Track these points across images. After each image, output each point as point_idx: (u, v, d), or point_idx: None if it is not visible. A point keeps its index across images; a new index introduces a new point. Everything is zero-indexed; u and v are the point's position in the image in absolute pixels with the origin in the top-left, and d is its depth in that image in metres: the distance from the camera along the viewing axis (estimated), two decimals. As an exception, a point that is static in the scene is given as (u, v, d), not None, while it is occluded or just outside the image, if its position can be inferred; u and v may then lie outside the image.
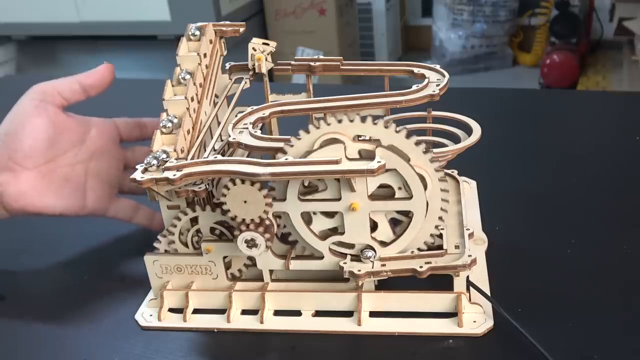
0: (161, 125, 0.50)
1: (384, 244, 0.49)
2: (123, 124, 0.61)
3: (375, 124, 0.46)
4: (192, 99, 0.53)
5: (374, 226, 0.49)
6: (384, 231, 0.49)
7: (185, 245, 0.52)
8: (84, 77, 0.58)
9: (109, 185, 0.60)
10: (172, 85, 0.53)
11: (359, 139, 0.47)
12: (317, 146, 0.46)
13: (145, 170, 0.47)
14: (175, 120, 0.51)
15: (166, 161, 0.47)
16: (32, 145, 0.54)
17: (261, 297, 0.51)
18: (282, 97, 0.60)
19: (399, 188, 0.47)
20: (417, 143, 0.46)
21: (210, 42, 0.57)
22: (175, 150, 0.48)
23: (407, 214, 0.48)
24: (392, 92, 0.51)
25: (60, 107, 0.57)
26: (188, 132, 0.51)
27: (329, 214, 0.49)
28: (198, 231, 0.52)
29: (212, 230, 0.51)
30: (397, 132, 0.46)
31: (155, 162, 0.47)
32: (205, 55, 0.56)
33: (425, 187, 0.47)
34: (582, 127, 0.83)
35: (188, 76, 0.53)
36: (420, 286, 0.50)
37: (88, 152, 0.58)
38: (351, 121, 0.46)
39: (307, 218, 0.49)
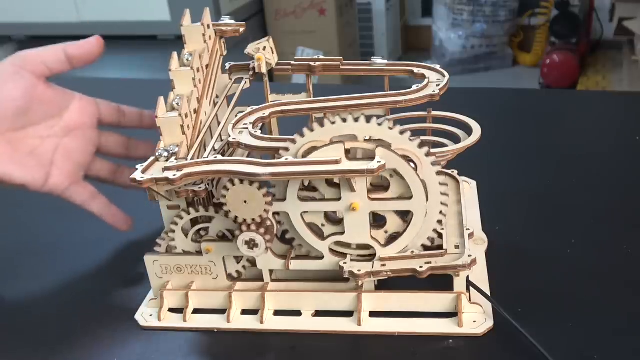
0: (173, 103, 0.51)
1: (384, 243, 0.49)
2: (105, 106, 0.60)
3: (368, 122, 0.46)
4: (198, 70, 0.53)
5: (383, 221, 0.49)
6: (394, 223, 0.49)
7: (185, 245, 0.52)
8: (72, 47, 0.55)
9: (76, 166, 0.57)
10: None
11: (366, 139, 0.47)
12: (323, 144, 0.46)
13: (156, 160, 0.48)
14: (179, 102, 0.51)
15: (175, 153, 0.48)
16: (3, 110, 0.53)
17: (261, 297, 0.51)
18: (282, 97, 0.60)
19: (391, 175, 0.47)
20: (416, 141, 0.46)
21: (209, 26, 0.57)
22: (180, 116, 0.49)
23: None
24: (392, 92, 0.50)
25: (42, 77, 0.55)
26: (194, 111, 0.52)
27: (336, 222, 0.49)
28: (198, 231, 0.52)
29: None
30: (390, 128, 0.46)
31: (166, 153, 0.48)
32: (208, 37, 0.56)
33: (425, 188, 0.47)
34: (582, 127, 0.83)
35: (191, 57, 0.53)
36: (420, 286, 0.50)
37: (63, 128, 0.57)
38: (344, 121, 0.46)
39: (318, 229, 0.49)
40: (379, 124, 0.46)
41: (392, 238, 0.49)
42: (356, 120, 0.46)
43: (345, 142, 0.45)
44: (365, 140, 0.46)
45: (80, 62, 0.56)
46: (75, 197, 0.58)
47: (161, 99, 0.50)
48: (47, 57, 0.55)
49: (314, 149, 0.46)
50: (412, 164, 0.46)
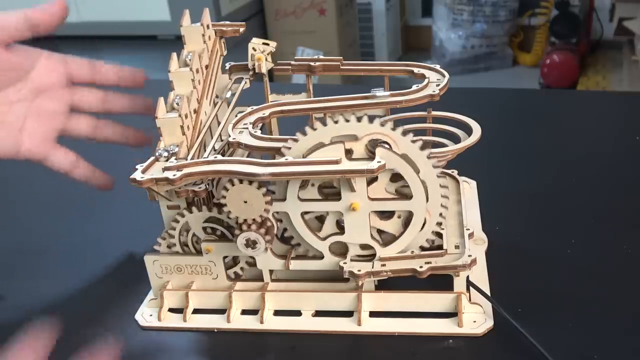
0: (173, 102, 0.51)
1: (387, 242, 0.49)
2: (75, 63, 0.57)
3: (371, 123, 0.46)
4: (198, 71, 0.53)
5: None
6: (393, 224, 0.49)
7: (185, 245, 0.52)
8: (33, 12, 0.52)
9: (51, 129, 0.55)
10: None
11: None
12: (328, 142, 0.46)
13: (156, 160, 0.48)
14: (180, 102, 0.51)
15: (175, 153, 0.48)
16: None
17: (261, 297, 0.51)
18: (282, 97, 0.60)
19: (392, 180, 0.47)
20: (415, 141, 0.46)
21: (208, 27, 0.57)
22: (180, 116, 0.49)
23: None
24: (392, 92, 0.50)
25: (2, 45, 0.52)
26: (194, 111, 0.52)
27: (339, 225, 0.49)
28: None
29: (214, 230, 0.51)
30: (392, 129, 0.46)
31: (166, 153, 0.48)
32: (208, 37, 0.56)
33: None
34: (582, 127, 0.83)
35: (191, 56, 0.54)
36: (420, 286, 0.50)
37: (31, 90, 0.54)
38: (347, 121, 0.46)
39: (316, 226, 0.49)
40: (382, 125, 0.46)
41: (393, 238, 0.49)
42: (359, 120, 0.46)
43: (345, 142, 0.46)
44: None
45: (43, 28, 0.53)
46: (57, 163, 0.56)
47: (161, 100, 0.50)
48: (5, 24, 0.52)
49: (321, 144, 0.46)
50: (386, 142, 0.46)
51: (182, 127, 0.49)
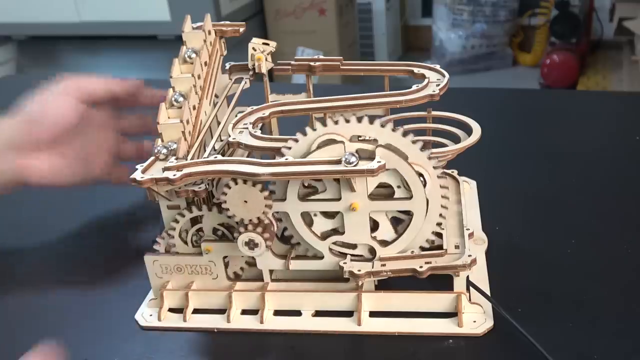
0: (172, 99, 0.51)
1: (384, 243, 0.49)
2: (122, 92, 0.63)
3: (371, 123, 0.46)
4: (199, 77, 0.53)
5: (374, 226, 0.49)
6: (386, 230, 0.49)
7: (185, 245, 0.52)
8: (114, 83, 0.61)
9: (110, 155, 0.63)
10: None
11: (359, 139, 0.47)
12: (314, 148, 0.46)
13: (156, 159, 0.48)
14: (181, 99, 0.51)
15: (174, 150, 0.48)
16: (56, 131, 0.58)
17: (261, 297, 0.51)
18: (282, 97, 0.60)
19: (398, 187, 0.47)
20: (414, 141, 0.46)
21: (209, 32, 0.57)
22: (181, 122, 0.49)
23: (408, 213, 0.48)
24: (392, 92, 0.50)
25: (89, 104, 0.60)
26: (194, 107, 0.52)
27: (329, 215, 0.49)
28: (198, 231, 0.52)
29: (215, 230, 0.51)
30: (393, 131, 0.46)
31: (165, 150, 0.48)
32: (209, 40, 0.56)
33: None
34: (582, 127, 0.83)
35: (194, 55, 0.53)
36: (420, 286, 0.50)
37: (95, 128, 0.61)
38: (347, 121, 0.46)
39: (309, 220, 0.49)
40: (382, 126, 0.46)
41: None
42: (359, 120, 0.46)
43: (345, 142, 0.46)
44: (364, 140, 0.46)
45: (120, 97, 0.62)
46: (120, 178, 0.63)
47: (162, 105, 0.50)
48: (93, 90, 0.60)
49: (332, 141, 0.46)
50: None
51: (183, 132, 0.49)
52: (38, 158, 0.58)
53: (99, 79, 0.61)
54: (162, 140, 0.50)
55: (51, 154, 0.59)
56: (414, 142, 0.46)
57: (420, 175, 0.46)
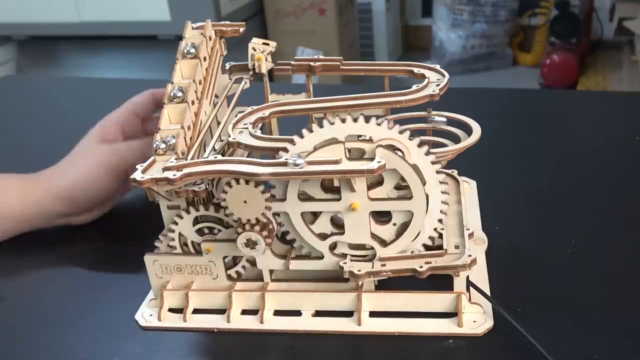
0: (170, 94, 0.51)
1: (384, 243, 0.49)
2: (140, 106, 0.67)
3: (367, 122, 0.46)
4: (200, 82, 0.54)
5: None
6: (387, 229, 0.49)
7: (185, 245, 0.52)
8: (159, 92, 0.66)
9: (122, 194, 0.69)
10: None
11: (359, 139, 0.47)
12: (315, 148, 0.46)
13: (155, 154, 0.48)
14: (180, 94, 0.51)
15: (172, 145, 0.48)
16: (96, 201, 0.64)
17: (261, 297, 0.51)
18: (282, 97, 0.60)
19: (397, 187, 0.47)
20: (419, 144, 0.46)
21: (210, 38, 0.57)
22: (182, 128, 0.49)
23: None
24: (392, 92, 0.50)
25: (140, 118, 0.66)
26: (192, 102, 0.52)
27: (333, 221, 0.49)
28: (198, 231, 0.52)
29: (211, 230, 0.51)
30: (397, 131, 0.46)
31: (164, 145, 0.48)
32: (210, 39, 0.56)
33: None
34: (582, 127, 0.83)
35: (193, 49, 0.54)
36: (420, 286, 0.50)
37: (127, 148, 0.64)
38: (343, 121, 0.46)
39: (310, 219, 0.49)
40: (379, 124, 0.46)
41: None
42: (355, 120, 0.46)
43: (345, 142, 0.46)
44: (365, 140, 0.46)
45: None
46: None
47: (164, 111, 0.50)
48: (142, 105, 0.66)
49: (334, 139, 0.46)
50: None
51: (184, 138, 0.50)
52: (78, 216, 0.65)
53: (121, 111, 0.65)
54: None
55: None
56: (418, 144, 0.46)
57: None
